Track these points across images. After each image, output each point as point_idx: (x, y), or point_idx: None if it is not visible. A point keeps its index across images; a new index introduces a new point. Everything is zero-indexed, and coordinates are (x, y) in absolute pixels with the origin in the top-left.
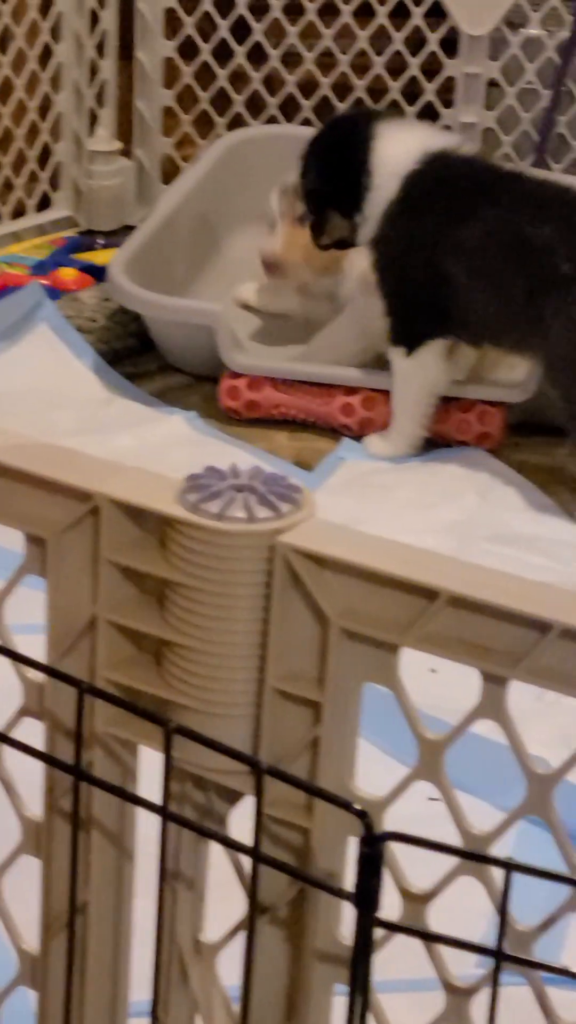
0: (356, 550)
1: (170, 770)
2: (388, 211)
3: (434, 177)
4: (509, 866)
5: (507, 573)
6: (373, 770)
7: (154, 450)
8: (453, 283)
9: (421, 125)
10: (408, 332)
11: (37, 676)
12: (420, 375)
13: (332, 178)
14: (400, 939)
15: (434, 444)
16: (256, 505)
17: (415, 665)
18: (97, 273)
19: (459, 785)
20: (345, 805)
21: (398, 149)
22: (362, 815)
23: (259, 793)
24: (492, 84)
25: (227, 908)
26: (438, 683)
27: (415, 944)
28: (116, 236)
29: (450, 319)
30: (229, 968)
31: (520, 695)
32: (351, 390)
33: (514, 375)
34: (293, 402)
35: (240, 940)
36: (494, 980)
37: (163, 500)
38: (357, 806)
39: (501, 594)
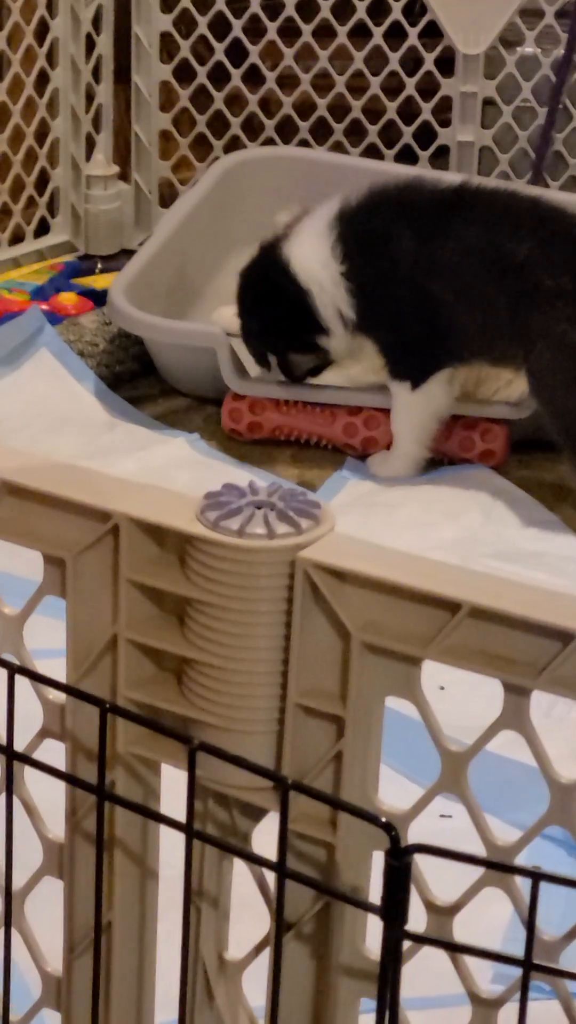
0: (377, 564)
1: (194, 788)
2: (349, 288)
3: (362, 220)
4: (536, 875)
5: (527, 584)
6: (387, 789)
7: (157, 473)
8: (439, 305)
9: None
10: (411, 368)
11: (58, 697)
12: (425, 405)
13: (269, 316)
14: (418, 956)
15: (438, 462)
16: (276, 521)
17: (423, 683)
18: (97, 297)
19: None
20: (371, 819)
21: (307, 241)
22: (388, 828)
23: (284, 809)
24: (488, 103)
25: (249, 928)
26: (446, 700)
27: (434, 961)
28: (115, 260)
29: (448, 346)
30: (254, 986)
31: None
32: (354, 410)
33: (517, 392)
34: (295, 423)
35: (265, 958)
36: (523, 990)
37: (183, 518)
38: (382, 819)
39: (522, 605)
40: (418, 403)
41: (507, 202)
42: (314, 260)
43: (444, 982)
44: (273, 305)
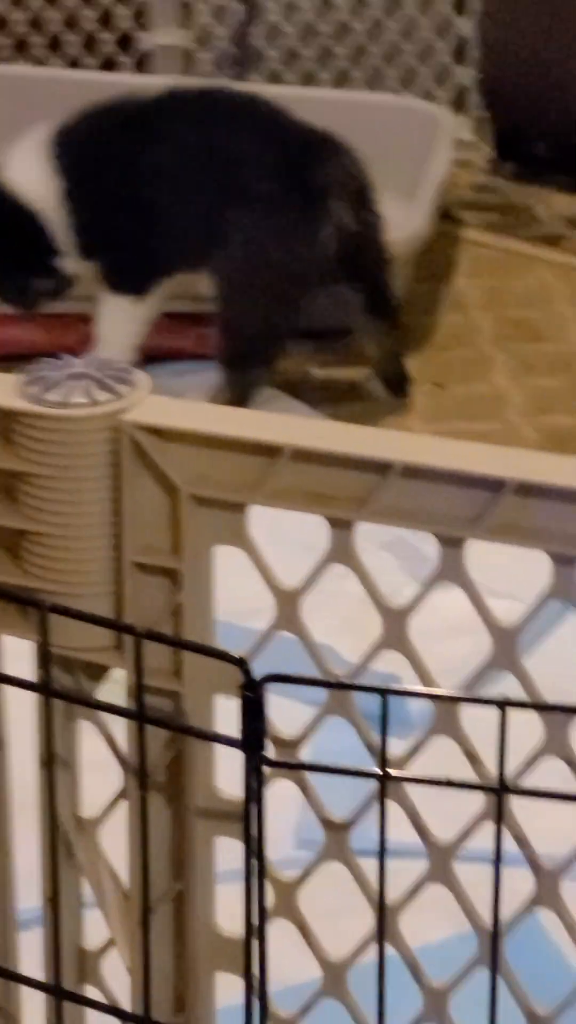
0: (197, 419)
1: (48, 650)
2: (71, 208)
3: (78, 136)
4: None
5: (342, 424)
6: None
7: None
8: (153, 210)
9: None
10: (135, 283)
11: None
12: (144, 313)
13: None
14: None
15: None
16: (95, 390)
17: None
18: None
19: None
20: (223, 656)
21: (24, 162)
22: (240, 662)
23: (138, 658)
24: (185, 5)
25: (96, 790)
26: None
27: None
28: None
29: (165, 253)
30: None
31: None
32: (89, 319)
33: None
34: (30, 336)
35: (121, 815)
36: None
37: (4, 395)
38: (234, 655)
39: (340, 443)
40: (137, 313)
41: (218, 101)
42: (35, 180)
43: None
44: (4, 233)
